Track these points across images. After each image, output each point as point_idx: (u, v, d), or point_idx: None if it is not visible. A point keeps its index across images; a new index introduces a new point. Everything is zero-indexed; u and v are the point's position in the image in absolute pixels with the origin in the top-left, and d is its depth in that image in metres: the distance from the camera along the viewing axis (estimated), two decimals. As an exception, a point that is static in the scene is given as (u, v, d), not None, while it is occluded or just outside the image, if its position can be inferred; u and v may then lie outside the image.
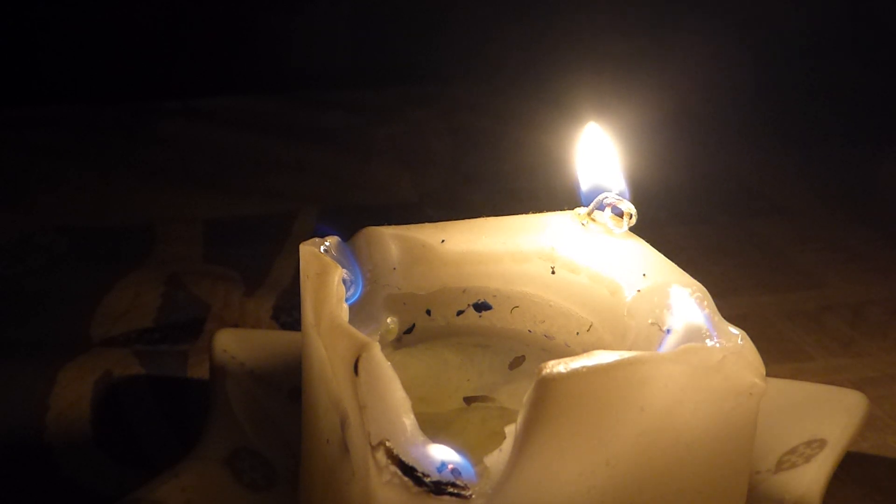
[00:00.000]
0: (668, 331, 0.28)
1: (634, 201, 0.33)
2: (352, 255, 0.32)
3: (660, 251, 0.32)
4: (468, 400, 0.34)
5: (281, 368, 0.38)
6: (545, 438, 0.24)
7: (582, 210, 0.34)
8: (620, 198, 0.33)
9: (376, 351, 0.25)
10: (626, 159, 0.34)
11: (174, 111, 0.83)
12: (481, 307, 0.34)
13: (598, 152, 0.34)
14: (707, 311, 0.28)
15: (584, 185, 0.34)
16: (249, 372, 0.37)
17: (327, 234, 0.31)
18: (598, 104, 0.35)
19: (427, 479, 0.24)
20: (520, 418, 0.24)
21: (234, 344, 0.38)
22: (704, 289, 0.29)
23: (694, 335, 0.27)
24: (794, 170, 0.74)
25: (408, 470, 0.24)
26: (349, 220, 0.62)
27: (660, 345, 0.28)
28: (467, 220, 0.34)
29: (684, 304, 0.29)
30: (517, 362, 0.34)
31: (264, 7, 0.90)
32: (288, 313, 0.50)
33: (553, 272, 0.33)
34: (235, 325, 0.48)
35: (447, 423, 0.32)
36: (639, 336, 0.30)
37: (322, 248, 0.30)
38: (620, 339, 0.31)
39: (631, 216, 0.32)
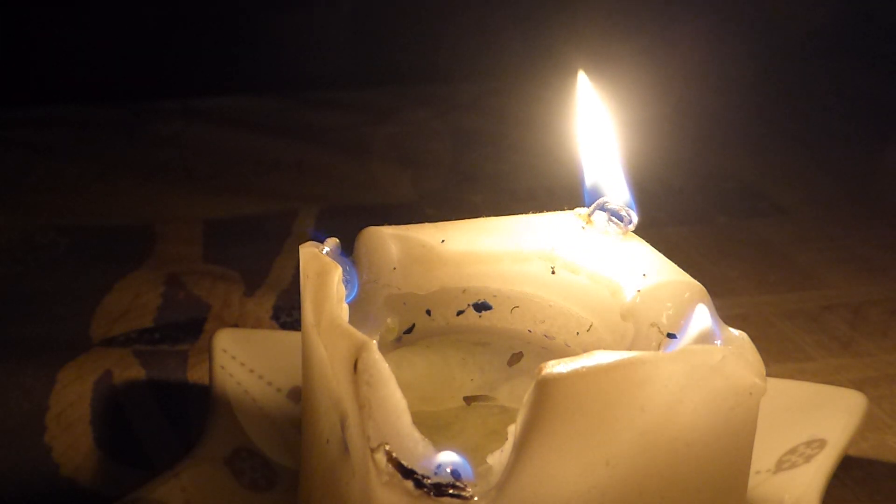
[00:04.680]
0: (673, 336, 0.28)
1: (635, 201, 0.33)
2: (345, 256, 0.32)
3: (660, 251, 0.32)
4: (468, 399, 0.34)
5: (281, 368, 0.38)
6: (545, 438, 0.23)
7: (582, 210, 0.34)
8: (621, 203, 0.33)
9: (375, 351, 0.25)
10: (626, 159, 0.34)
11: (174, 111, 0.83)
12: (481, 307, 0.34)
13: (600, 144, 0.34)
14: (707, 311, 0.28)
15: (588, 181, 0.34)
16: (249, 372, 0.37)
17: (323, 239, 0.31)
18: (599, 104, 0.35)
19: (427, 481, 0.24)
20: (519, 418, 0.24)
21: (234, 344, 0.38)
22: (704, 289, 0.29)
23: (694, 336, 0.27)
24: (794, 170, 0.74)
25: (408, 473, 0.24)
26: (349, 220, 0.62)
27: (661, 347, 0.28)
28: (467, 220, 0.34)
29: (685, 305, 0.29)
30: (515, 359, 0.34)
31: (264, 7, 0.90)
32: (288, 313, 0.50)
33: (553, 272, 0.33)
34: (235, 325, 0.48)
35: (447, 422, 0.32)
36: (638, 336, 0.30)
37: (323, 251, 0.30)
38: (620, 339, 0.31)
39: (630, 222, 0.32)
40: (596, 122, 0.34)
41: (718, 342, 0.27)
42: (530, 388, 0.23)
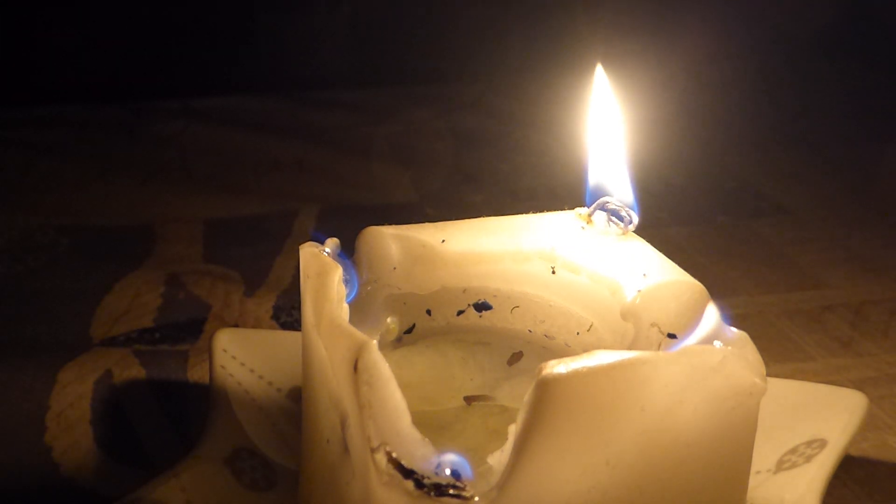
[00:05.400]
0: (673, 336, 0.28)
1: (635, 200, 0.33)
2: (345, 256, 0.32)
3: (660, 251, 0.32)
4: (468, 399, 0.34)
5: (281, 368, 0.38)
6: (545, 439, 0.23)
7: (583, 210, 0.34)
8: (621, 204, 0.33)
9: (375, 351, 0.25)
10: (629, 159, 0.34)
11: (174, 111, 0.83)
12: (481, 307, 0.34)
13: (609, 143, 0.34)
14: (715, 314, 0.28)
15: (591, 180, 0.34)
16: (249, 372, 0.37)
17: (323, 240, 0.31)
18: (598, 103, 0.35)
19: (427, 482, 0.24)
20: (520, 419, 0.24)
21: (234, 344, 0.38)
22: (705, 289, 0.29)
23: (694, 336, 0.27)
24: (794, 170, 0.74)
25: (408, 473, 0.24)
26: (349, 220, 0.62)
27: (661, 347, 0.28)
28: (467, 220, 0.34)
29: (685, 305, 0.29)
30: (515, 358, 0.34)
31: (264, 7, 0.90)
32: (288, 313, 0.50)
33: (553, 272, 0.33)
34: (235, 325, 0.48)
35: (448, 422, 0.32)
36: (639, 336, 0.30)
37: (323, 251, 0.30)
38: (621, 339, 0.31)
39: (630, 222, 0.32)
40: (607, 121, 0.34)
41: (718, 343, 0.27)
42: (530, 388, 0.23)
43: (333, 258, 0.30)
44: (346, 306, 0.28)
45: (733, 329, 0.28)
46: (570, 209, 0.34)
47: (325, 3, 0.92)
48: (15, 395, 0.41)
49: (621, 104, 0.34)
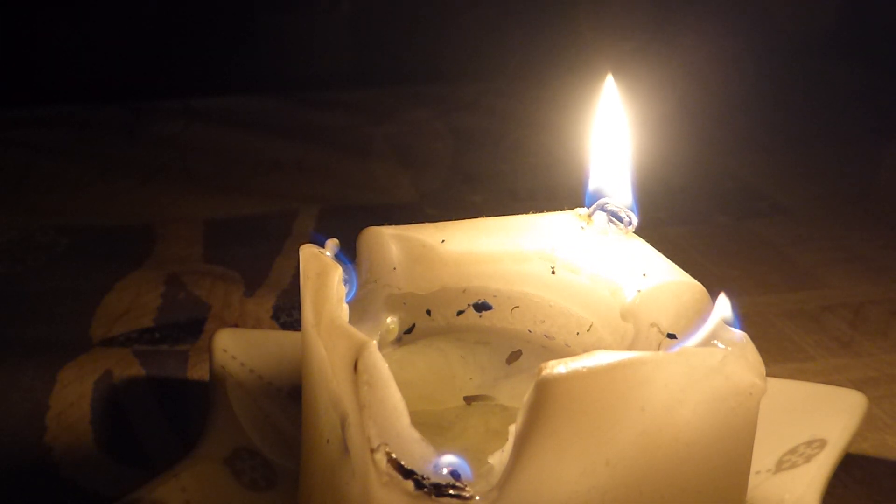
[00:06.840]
0: (673, 336, 0.28)
1: (635, 201, 0.33)
2: (344, 256, 0.32)
3: (660, 251, 0.32)
4: (468, 399, 0.34)
5: (281, 368, 0.38)
6: (545, 439, 0.23)
7: (582, 210, 0.34)
8: (621, 205, 0.33)
9: (375, 351, 0.25)
10: (631, 162, 0.34)
11: (174, 111, 0.83)
12: (481, 307, 0.34)
13: (610, 144, 0.34)
14: (707, 311, 0.28)
15: (592, 183, 0.34)
16: (249, 372, 0.37)
17: (323, 242, 0.31)
18: (598, 104, 0.35)
19: (427, 482, 0.24)
20: (519, 419, 0.24)
21: (234, 344, 0.38)
22: (705, 289, 0.29)
23: (694, 336, 0.27)
24: (794, 170, 0.74)
25: (407, 473, 0.24)
26: (349, 220, 0.62)
27: (661, 347, 0.28)
28: (467, 220, 0.34)
29: (685, 305, 0.29)
30: (514, 357, 0.34)
31: (264, 7, 0.90)
32: (288, 313, 0.50)
33: (553, 272, 0.33)
34: (235, 325, 0.48)
35: (450, 422, 0.32)
36: (638, 336, 0.30)
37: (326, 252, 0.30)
38: (620, 339, 0.31)
39: (630, 223, 0.32)
40: (613, 127, 0.34)
41: (718, 343, 0.27)
42: (530, 388, 0.23)
43: (333, 258, 0.30)
44: (346, 306, 0.28)
45: (736, 329, 0.28)
46: (569, 209, 0.34)
47: (325, 2, 0.92)
48: (15, 395, 0.41)
49: (626, 108, 0.34)
